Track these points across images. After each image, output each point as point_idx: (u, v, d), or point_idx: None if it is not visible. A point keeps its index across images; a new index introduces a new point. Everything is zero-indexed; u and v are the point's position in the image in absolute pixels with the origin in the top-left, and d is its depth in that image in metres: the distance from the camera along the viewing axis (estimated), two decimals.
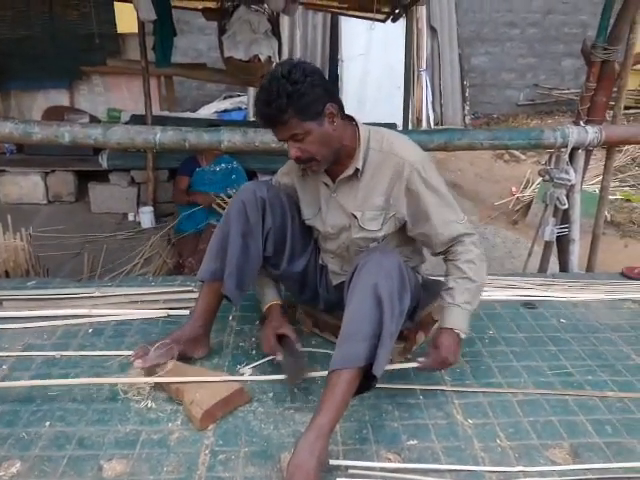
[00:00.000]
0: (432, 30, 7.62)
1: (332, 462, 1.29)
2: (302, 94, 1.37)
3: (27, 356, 1.71)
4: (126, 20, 5.44)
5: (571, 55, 8.19)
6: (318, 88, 1.41)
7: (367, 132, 1.57)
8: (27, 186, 5.16)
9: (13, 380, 1.59)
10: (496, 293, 2.17)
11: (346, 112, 1.55)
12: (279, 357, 1.58)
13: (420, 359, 1.51)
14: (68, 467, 1.29)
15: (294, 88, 1.36)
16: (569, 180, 2.64)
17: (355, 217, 1.58)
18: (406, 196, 1.54)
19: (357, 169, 1.54)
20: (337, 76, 7.26)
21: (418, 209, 1.54)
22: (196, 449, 1.35)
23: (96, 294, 2.06)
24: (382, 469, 1.29)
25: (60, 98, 5.98)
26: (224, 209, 3.44)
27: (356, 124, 1.57)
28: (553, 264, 2.99)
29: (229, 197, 3.61)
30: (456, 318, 1.52)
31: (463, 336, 1.52)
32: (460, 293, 1.52)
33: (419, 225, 1.57)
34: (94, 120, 5.57)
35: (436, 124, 7.68)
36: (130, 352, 1.64)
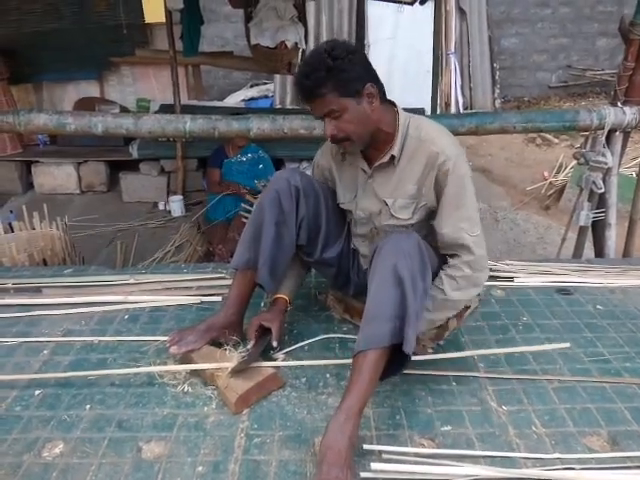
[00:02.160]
0: (461, 12, 7.44)
1: (365, 447, 1.30)
2: (342, 70, 1.38)
3: (67, 341, 1.76)
4: (153, 10, 5.48)
5: (606, 34, 7.91)
6: (359, 66, 1.41)
7: (406, 119, 1.55)
8: (61, 176, 5.28)
9: (54, 365, 1.65)
10: (530, 279, 2.13)
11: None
12: (249, 346, 1.58)
13: None
14: (108, 448, 1.33)
15: (335, 63, 1.37)
16: (606, 163, 2.57)
17: (386, 204, 1.57)
18: (435, 185, 1.52)
19: (393, 156, 1.53)
20: None
21: (438, 200, 1.52)
22: (231, 432, 1.38)
23: (131, 281, 2.10)
24: (416, 454, 1.29)
25: (90, 89, 6.08)
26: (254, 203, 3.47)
27: (397, 110, 1.55)
28: (587, 250, 2.93)
29: (258, 192, 3.64)
30: None
31: None
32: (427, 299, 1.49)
33: (434, 218, 1.54)
34: (124, 110, 5.65)
35: (465, 108, 7.53)
36: (165, 338, 1.68)
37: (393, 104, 1.56)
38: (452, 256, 1.53)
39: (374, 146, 1.53)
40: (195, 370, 1.57)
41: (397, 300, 1.33)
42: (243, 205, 3.58)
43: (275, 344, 1.62)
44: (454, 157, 1.49)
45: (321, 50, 1.40)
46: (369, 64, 1.47)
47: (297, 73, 1.45)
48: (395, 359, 1.36)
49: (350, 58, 1.39)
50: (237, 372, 1.49)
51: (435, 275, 1.51)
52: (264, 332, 1.63)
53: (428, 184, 1.52)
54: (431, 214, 1.58)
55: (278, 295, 1.70)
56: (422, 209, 1.56)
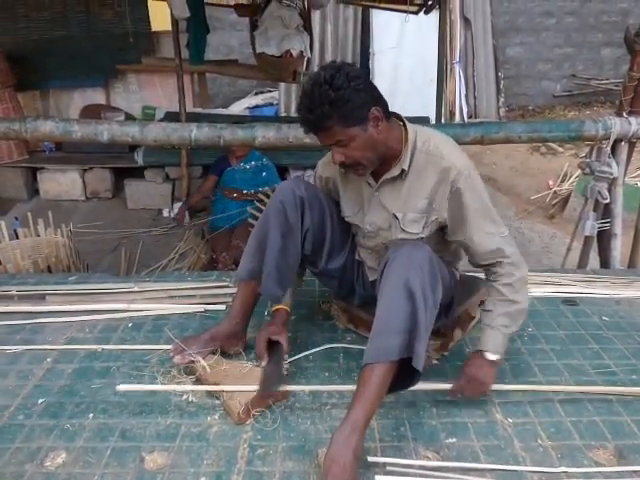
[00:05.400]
0: (466, 21, 7.46)
1: (370, 459, 1.29)
2: (345, 100, 1.34)
3: (70, 349, 1.76)
4: (160, 18, 5.52)
5: (610, 44, 7.93)
6: (362, 93, 1.37)
7: (414, 133, 1.53)
8: (66, 183, 5.30)
9: (57, 372, 1.64)
10: (535, 289, 2.12)
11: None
12: (263, 363, 1.56)
13: (454, 384, 1.49)
14: (111, 458, 1.32)
15: (337, 95, 1.33)
16: (611, 173, 2.56)
17: (397, 218, 1.55)
18: (449, 200, 1.50)
19: (403, 170, 1.52)
20: (368, 70, 7.21)
21: (459, 215, 1.50)
22: (235, 443, 1.37)
23: (135, 289, 2.10)
24: (421, 467, 1.28)
25: (96, 96, 6.11)
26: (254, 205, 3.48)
27: (404, 124, 1.54)
28: (593, 260, 2.91)
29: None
30: (490, 341, 1.50)
31: (494, 358, 1.49)
32: (498, 315, 1.50)
33: (458, 232, 1.52)
34: (129, 118, 5.68)
35: (470, 117, 7.54)
36: (169, 346, 1.67)
37: (398, 117, 1.55)
38: (493, 265, 1.51)
39: (381, 162, 1.51)
40: (198, 380, 1.57)
41: (407, 314, 1.32)
42: (249, 210, 3.57)
43: (286, 357, 1.60)
44: (466, 170, 1.49)
45: (321, 81, 1.34)
46: (371, 85, 1.43)
47: (299, 106, 1.41)
48: (403, 373, 1.34)
49: (352, 86, 1.35)
50: (266, 397, 1.47)
51: (446, 288, 1.50)
52: (272, 346, 1.60)
53: (439, 199, 1.51)
54: (442, 227, 1.57)
55: (279, 306, 1.68)
56: (433, 223, 1.54)
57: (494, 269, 1.52)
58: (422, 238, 1.56)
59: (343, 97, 1.34)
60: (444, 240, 1.62)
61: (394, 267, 1.37)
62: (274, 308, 1.69)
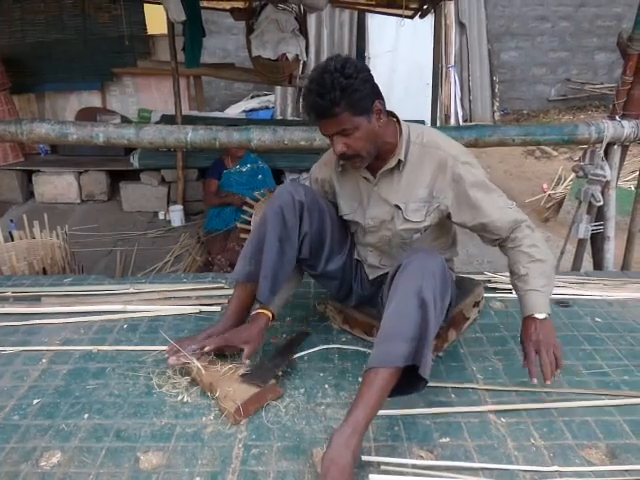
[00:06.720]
0: (461, 25, 7.54)
1: (364, 458, 1.29)
2: (355, 89, 1.38)
3: (65, 350, 1.76)
4: (156, 22, 5.54)
5: (605, 48, 8.00)
6: (368, 84, 1.42)
7: (407, 127, 1.59)
8: (61, 186, 5.30)
9: (52, 373, 1.64)
10: None
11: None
12: (207, 349, 1.56)
13: (525, 361, 1.49)
14: (106, 458, 1.33)
15: (348, 82, 1.37)
16: (604, 176, 2.58)
17: (399, 208, 1.59)
18: (452, 189, 1.54)
19: (400, 161, 1.55)
20: None
21: (468, 201, 1.54)
22: (230, 443, 1.37)
23: (130, 291, 2.11)
24: (414, 466, 1.28)
25: (92, 99, 6.12)
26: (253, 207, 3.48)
27: (397, 120, 1.59)
28: (586, 262, 2.93)
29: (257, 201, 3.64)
30: (536, 302, 1.51)
31: (545, 316, 1.51)
32: (534, 277, 1.52)
33: (475, 217, 1.56)
34: (125, 120, 5.69)
35: (465, 121, 7.60)
36: (164, 347, 1.68)
37: (392, 114, 1.59)
38: (512, 233, 1.55)
39: (377, 157, 1.55)
40: (194, 380, 1.57)
41: (418, 322, 1.32)
42: (242, 216, 3.58)
43: (247, 362, 1.57)
44: (461, 156, 1.54)
45: (332, 68, 1.38)
46: (374, 80, 1.47)
47: (309, 93, 1.42)
48: (405, 376, 1.34)
49: (361, 76, 1.39)
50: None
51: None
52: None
53: (439, 187, 1.55)
54: (446, 216, 1.60)
55: (260, 310, 1.64)
56: (435, 211, 1.58)
57: (513, 235, 1.55)
58: (425, 228, 1.59)
59: (353, 85, 1.38)
60: (443, 233, 1.66)
61: (407, 273, 1.38)
62: (255, 311, 1.66)
